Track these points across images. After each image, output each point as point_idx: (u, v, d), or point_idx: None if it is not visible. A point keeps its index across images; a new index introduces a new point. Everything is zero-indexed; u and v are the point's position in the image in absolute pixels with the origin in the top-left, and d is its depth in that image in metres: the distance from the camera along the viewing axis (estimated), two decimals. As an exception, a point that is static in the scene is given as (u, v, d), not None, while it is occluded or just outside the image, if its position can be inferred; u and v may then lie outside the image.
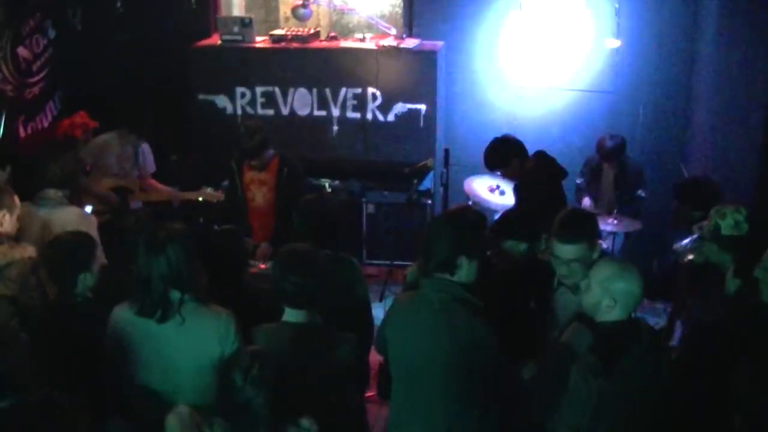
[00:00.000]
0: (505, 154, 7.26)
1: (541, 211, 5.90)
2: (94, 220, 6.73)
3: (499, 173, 7.61)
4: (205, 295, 4.72)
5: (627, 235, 8.67)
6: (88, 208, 7.21)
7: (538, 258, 5.32)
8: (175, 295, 4.57)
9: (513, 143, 7.33)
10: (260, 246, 7.38)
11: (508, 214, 6.03)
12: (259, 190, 7.61)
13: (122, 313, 4.72)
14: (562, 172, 7.34)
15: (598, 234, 5.02)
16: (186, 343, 4.57)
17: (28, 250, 5.82)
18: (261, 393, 3.85)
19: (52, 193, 6.48)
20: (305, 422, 3.94)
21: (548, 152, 9.41)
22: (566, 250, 4.79)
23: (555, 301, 5.01)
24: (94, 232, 6.35)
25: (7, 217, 5.91)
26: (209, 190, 8.21)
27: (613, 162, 8.85)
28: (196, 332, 4.57)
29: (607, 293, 4.24)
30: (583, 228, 4.87)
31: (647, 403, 4.30)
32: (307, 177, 8.23)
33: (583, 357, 4.22)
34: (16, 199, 6.04)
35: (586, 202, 9.00)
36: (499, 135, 7.51)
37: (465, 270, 4.45)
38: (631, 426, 4.31)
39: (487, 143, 7.43)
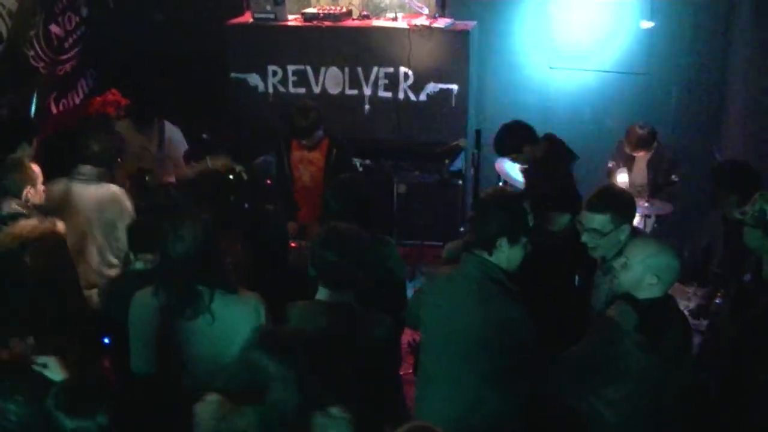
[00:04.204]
0: (517, 141, 7.11)
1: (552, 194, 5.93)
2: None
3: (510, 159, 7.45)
4: (232, 280, 4.65)
5: (659, 218, 8.62)
6: None
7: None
8: (204, 290, 4.52)
9: (525, 130, 7.15)
10: (290, 224, 7.33)
11: (550, 187, 6.07)
12: (307, 170, 7.60)
13: (146, 303, 4.66)
14: (571, 156, 7.25)
15: (626, 214, 5.02)
16: (218, 338, 4.51)
17: (57, 225, 5.86)
18: (288, 371, 3.77)
19: (87, 169, 6.52)
20: (335, 411, 3.88)
21: (580, 133, 9.38)
22: (589, 218, 4.95)
23: (597, 278, 5.06)
24: (128, 210, 6.42)
25: (32, 190, 5.98)
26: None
27: (642, 151, 8.77)
28: (228, 325, 4.50)
29: (649, 270, 4.35)
30: (611, 202, 4.98)
31: (683, 378, 4.40)
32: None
33: (631, 335, 4.25)
34: (36, 168, 6.08)
35: (623, 176, 8.86)
36: (508, 121, 7.29)
37: (505, 253, 4.47)
38: (670, 401, 4.37)
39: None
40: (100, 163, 6.56)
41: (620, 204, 5.02)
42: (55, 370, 4.23)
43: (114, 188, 6.61)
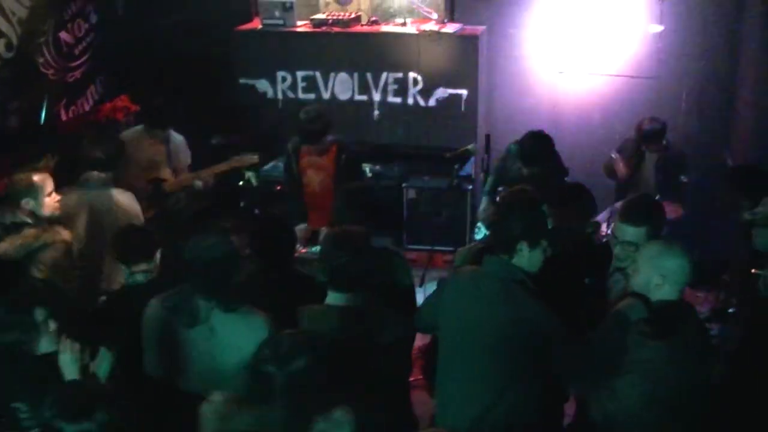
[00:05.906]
0: (547, 152, 7.08)
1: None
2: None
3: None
4: (236, 299, 4.62)
5: (669, 223, 8.56)
6: None
7: (594, 240, 5.36)
8: (203, 303, 4.52)
9: (551, 141, 7.15)
10: (299, 228, 7.30)
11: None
12: (316, 175, 7.59)
13: (155, 307, 4.69)
14: (563, 170, 7.22)
15: (661, 226, 5.00)
16: (217, 352, 4.51)
17: (62, 234, 5.86)
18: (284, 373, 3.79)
19: (95, 175, 6.53)
20: (338, 414, 3.78)
21: (589, 138, 9.36)
22: (625, 231, 4.93)
23: (609, 285, 5.05)
24: (137, 213, 6.43)
25: (32, 203, 5.93)
26: (242, 155, 8.21)
27: (652, 145, 8.71)
28: (228, 342, 4.48)
29: (656, 271, 4.34)
30: (649, 214, 4.97)
31: (698, 373, 4.40)
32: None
33: (636, 324, 4.26)
34: (40, 181, 6.03)
35: (614, 154, 8.77)
36: (536, 129, 7.29)
37: (525, 257, 4.50)
38: (686, 396, 4.37)
39: (526, 135, 7.27)
40: (105, 168, 6.57)
41: (657, 216, 5.01)
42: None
43: (122, 193, 6.62)
